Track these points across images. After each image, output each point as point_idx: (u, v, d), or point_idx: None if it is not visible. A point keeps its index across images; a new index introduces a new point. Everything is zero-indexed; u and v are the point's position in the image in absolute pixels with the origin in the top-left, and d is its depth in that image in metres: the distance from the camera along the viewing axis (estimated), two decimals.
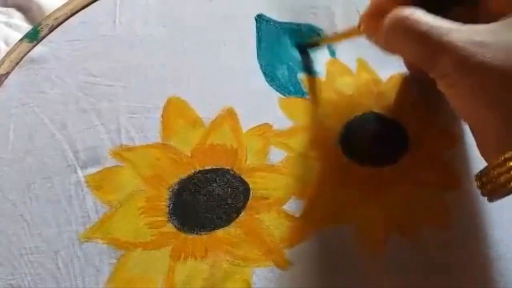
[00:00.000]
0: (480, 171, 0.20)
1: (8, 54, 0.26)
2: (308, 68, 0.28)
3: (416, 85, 0.28)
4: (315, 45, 0.29)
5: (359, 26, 0.24)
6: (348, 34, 0.26)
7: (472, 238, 0.25)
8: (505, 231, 0.25)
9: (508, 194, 0.19)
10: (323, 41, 0.29)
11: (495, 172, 0.19)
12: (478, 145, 0.21)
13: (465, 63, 0.18)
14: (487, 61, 0.18)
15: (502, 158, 0.18)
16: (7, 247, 0.22)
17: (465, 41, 0.18)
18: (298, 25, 0.30)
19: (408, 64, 0.28)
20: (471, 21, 0.20)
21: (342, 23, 0.30)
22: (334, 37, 0.29)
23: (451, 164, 0.26)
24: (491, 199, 0.20)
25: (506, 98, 0.18)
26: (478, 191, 0.20)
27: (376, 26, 0.22)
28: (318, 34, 0.29)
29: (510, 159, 0.18)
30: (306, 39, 0.29)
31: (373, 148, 0.27)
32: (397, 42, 0.21)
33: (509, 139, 0.18)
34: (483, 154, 0.21)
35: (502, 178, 0.18)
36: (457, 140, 0.27)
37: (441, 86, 0.20)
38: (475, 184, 0.20)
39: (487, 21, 0.20)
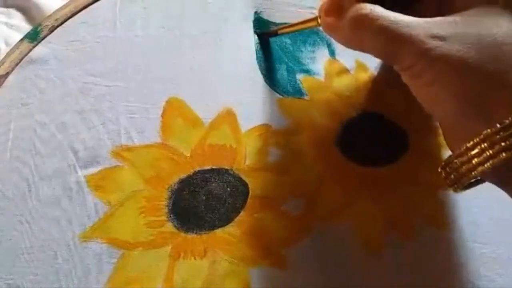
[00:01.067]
0: (444, 161, 0.20)
1: (8, 54, 0.26)
2: (307, 68, 0.29)
3: None
4: (274, 34, 0.28)
5: (317, 18, 0.24)
6: (305, 25, 0.26)
7: (469, 238, 0.25)
8: (504, 232, 0.26)
9: (470, 184, 0.20)
10: (280, 30, 0.28)
11: (457, 162, 0.19)
12: (444, 135, 0.21)
13: (425, 55, 0.19)
14: (445, 53, 0.19)
15: (464, 147, 0.19)
16: (6, 246, 0.22)
17: (425, 34, 0.19)
18: None
19: None
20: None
21: None
22: (291, 27, 0.28)
23: None
24: (455, 190, 0.20)
25: (464, 88, 0.19)
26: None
27: (335, 22, 0.22)
28: (318, 34, 0.30)
29: (471, 148, 0.18)
30: (309, 39, 0.29)
31: (372, 148, 0.27)
32: (360, 39, 0.21)
33: (469, 128, 0.19)
34: (448, 144, 0.21)
35: (464, 168, 0.19)
36: None
37: (405, 78, 0.21)
38: (441, 174, 0.21)
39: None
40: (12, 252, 0.22)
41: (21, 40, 0.26)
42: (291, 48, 0.29)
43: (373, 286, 0.24)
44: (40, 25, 0.27)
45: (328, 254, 0.24)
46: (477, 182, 0.20)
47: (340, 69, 0.29)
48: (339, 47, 0.29)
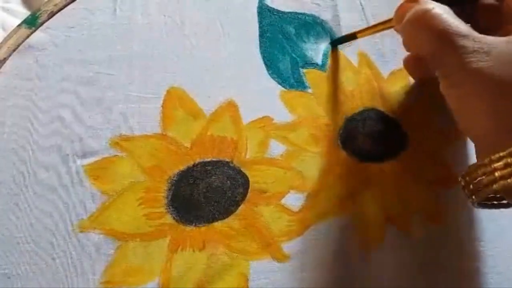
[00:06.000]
0: (466, 170, 0.20)
1: (5, 39, 0.25)
2: (310, 61, 0.28)
3: (416, 83, 0.28)
4: (353, 38, 0.28)
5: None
6: (385, 26, 0.26)
7: (465, 235, 0.25)
8: (502, 230, 0.25)
9: (492, 204, 0.20)
10: (360, 33, 0.27)
11: (479, 172, 0.19)
12: (476, 150, 0.21)
13: (468, 66, 0.20)
14: (487, 68, 0.19)
15: (488, 159, 0.19)
16: (2, 236, 0.22)
17: (474, 48, 0.20)
18: (302, 15, 0.29)
19: (411, 64, 0.28)
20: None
21: (345, 14, 0.30)
22: (371, 29, 0.27)
23: (448, 161, 0.26)
24: (473, 202, 0.20)
25: (499, 104, 0.19)
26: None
27: (403, 16, 0.23)
28: (322, 25, 0.29)
29: (495, 161, 0.18)
30: (313, 30, 0.29)
31: (373, 144, 0.27)
32: (415, 33, 0.22)
33: (499, 143, 0.19)
34: (478, 158, 0.21)
35: (485, 179, 0.19)
36: (455, 138, 0.27)
37: (443, 85, 0.21)
38: (461, 183, 0.21)
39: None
40: (9, 241, 0.22)
41: (19, 25, 0.26)
42: (295, 39, 0.29)
43: (371, 282, 0.23)
44: (38, 10, 0.26)
45: (327, 249, 0.24)
46: (500, 205, 0.20)
47: (344, 62, 0.28)
48: None
